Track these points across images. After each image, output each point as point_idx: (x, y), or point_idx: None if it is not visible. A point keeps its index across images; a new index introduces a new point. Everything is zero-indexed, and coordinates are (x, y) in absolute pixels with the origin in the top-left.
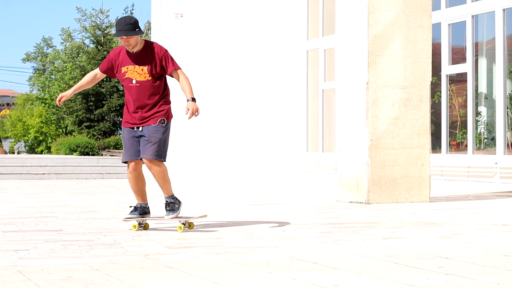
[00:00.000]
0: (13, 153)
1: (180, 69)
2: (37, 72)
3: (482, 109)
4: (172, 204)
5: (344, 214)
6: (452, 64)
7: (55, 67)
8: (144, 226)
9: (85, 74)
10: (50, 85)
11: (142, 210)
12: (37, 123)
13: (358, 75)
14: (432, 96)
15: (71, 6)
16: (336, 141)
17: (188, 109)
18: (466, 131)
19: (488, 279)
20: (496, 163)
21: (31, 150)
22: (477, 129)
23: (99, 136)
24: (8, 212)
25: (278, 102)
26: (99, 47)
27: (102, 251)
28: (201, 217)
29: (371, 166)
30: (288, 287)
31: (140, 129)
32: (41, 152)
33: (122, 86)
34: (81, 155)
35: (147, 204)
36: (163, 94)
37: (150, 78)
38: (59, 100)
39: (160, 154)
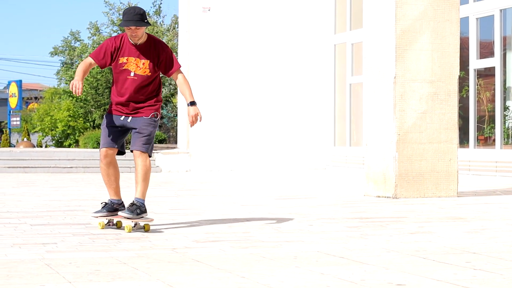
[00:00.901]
0: (41, 146)
1: (180, 69)
2: (65, 66)
3: (510, 103)
4: (136, 207)
5: (371, 208)
6: (480, 58)
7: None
8: (116, 225)
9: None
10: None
11: (111, 207)
12: (65, 117)
13: (385, 69)
14: (460, 91)
15: (99, 0)
16: (363, 135)
17: (190, 116)
18: (494, 125)
19: None
20: None
21: (59, 143)
22: (505, 123)
23: None
24: (36, 206)
25: (306, 96)
26: None
27: (130, 244)
28: (149, 220)
29: (398, 161)
30: (315, 282)
31: (129, 119)
32: (69, 146)
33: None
34: None
35: (120, 199)
36: (157, 92)
37: (150, 74)
38: (78, 90)
39: (149, 148)
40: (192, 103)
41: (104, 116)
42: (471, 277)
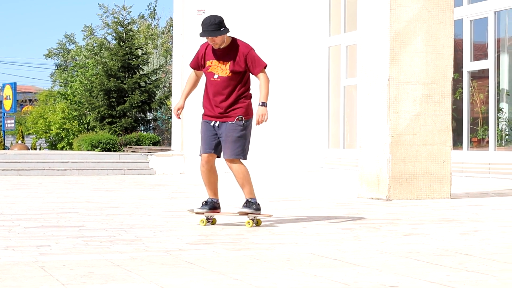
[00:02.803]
0: (35, 149)
1: (264, 69)
2: (59, 68)
3: (504, 105)
4: (250, 203)
5: (365, 210)
6: (474, 60)
7: (76, 63)
8: (211, 221)
9: (107, 70)
10: (72, 81)
11: (212, 205)
12: (59, 119)
13: (379, 72)
14: (454, 93)
15: (93, 3)
16: (357, 137)
17: (257, 115)
18: (488, 127)
19: (509, 275)
20: None
21: (53, 146)
22: (498, 125)
23: (121, 132)
24: (30, 208)
25: (300, 98)
26: (121, 43)
27: (123, 247)
28: (267, 215)
29: (392, 163)
30: (308, 284)
31: (217, 124)
32: (63, 148)
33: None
34: (102, 151)
35: (217, 199)
36: (243, 90)
37: (231, 74)
38: (178, 115)
39: (238, 152)
40: (263, 104)
41: (201, 122)
42: (464, 279)
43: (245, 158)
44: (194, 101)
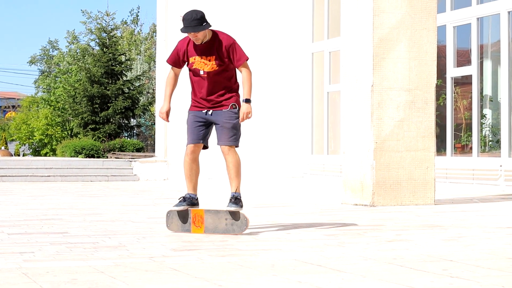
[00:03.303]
0: (19, 155)
1: (246, 62)
2: (43, 74)
3: (487, 111)
4: (238, 200)
5: (349, 216)
6: (457, 66)
7: (60, 69)
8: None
9: (90, 76)
10: (55, 87)
11: (190, 201)
12: (43, 125)
13: (363, 78)
14: (437, 99)
15: (76, 9)
16: (341, 143)
17: (242, 112)
18: (471, 133)
19: (493, 281)
20: (501, 166)
21: (36, 152)
22: (482, 131)
23: (105, 139)
24: (13, 215)
25: (283, 104)
26: (104, 49)
27: (107, 253)
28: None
29: (376, 169)
30: None
31: (210, 112)
32: (46, 154)
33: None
34: (86, 157)
35: (196, 195)
36: (232, 81)
37: (217, 68)
38: (166, 118)
39: (236, 139)
40: (247, 101)
41: (188, 113)
42: (448, 285)
43: (238, 146)
44: (177, 107)
